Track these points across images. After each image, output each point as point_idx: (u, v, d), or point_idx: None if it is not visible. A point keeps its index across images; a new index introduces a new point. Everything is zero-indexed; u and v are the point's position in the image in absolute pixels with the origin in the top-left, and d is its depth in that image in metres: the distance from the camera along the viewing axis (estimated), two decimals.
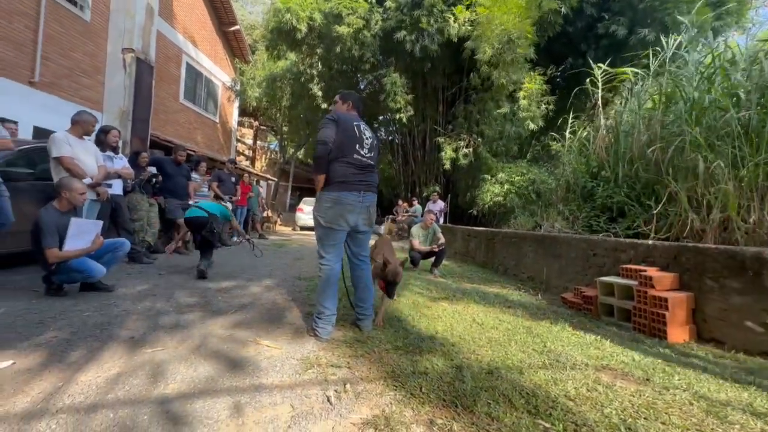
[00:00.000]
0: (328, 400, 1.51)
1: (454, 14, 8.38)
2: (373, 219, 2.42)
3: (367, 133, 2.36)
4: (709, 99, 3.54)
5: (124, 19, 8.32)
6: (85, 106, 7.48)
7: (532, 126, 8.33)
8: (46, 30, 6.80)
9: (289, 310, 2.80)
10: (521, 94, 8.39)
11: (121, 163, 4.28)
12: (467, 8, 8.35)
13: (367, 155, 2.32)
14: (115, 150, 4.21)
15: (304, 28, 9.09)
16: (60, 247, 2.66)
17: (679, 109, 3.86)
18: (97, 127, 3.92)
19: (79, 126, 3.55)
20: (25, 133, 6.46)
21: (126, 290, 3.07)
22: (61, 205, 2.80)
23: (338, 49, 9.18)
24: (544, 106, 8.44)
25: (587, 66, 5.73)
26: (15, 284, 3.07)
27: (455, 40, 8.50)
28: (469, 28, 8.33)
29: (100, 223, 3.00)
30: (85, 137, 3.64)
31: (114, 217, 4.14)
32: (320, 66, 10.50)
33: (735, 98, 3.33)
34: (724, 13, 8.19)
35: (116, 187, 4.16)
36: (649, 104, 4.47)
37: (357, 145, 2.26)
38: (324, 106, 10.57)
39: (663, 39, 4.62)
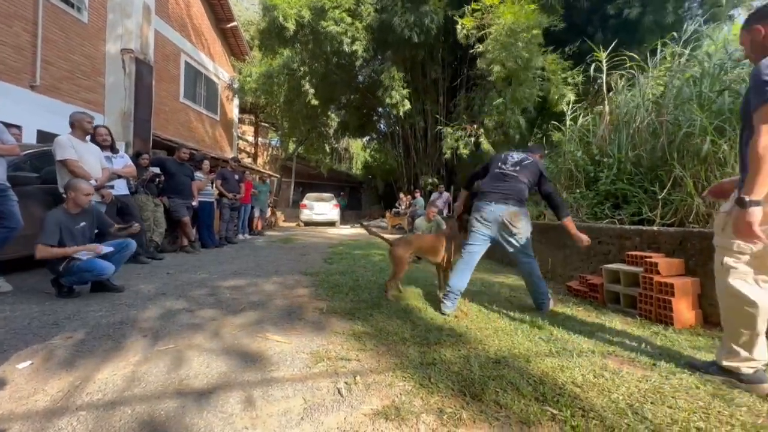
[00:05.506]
0: (339, 393, 1.54)
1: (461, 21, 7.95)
2: (515, 229, 2.70)
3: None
4: (720, 85, 3.53)
5: (121, 20, 8.29)
6: (87, 108, 7.50)
7: (561, 106, 7.61)
8: (44, 33, 6.80)
9: (296, 305, 2.84)
10: (547, 74, 7.96)
11: (121, 161, 4.29)
12: (473, 13, 7.90)
13: (510, 169, 2.87)
14: (112, 149, 4.22)
15: (292, 26, 8.75)
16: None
17: (685, 94, 3.82)
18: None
19: (77, 126, 3.55)
20: (29, 138, 6.51)
21: (136, 290, 3.11)
22: (68, 205, 2.83)
23: (328, 47, 8.89)
24: (570, 81, 8.00)
25: (592, 49, 5.60)
26: (28, 287, 3.13)
27: (462, 44, 8.18)
28: (477, 33, 7.92)
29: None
30: (87, 139, 3.67)
31: (123, 216, 4.18)
32: (314, 63, 10.20)
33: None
34: None
35: (121, 187, 4.19)
36: (659, 90, 4.41)
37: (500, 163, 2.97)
38: (316, 103, 10.31)
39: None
